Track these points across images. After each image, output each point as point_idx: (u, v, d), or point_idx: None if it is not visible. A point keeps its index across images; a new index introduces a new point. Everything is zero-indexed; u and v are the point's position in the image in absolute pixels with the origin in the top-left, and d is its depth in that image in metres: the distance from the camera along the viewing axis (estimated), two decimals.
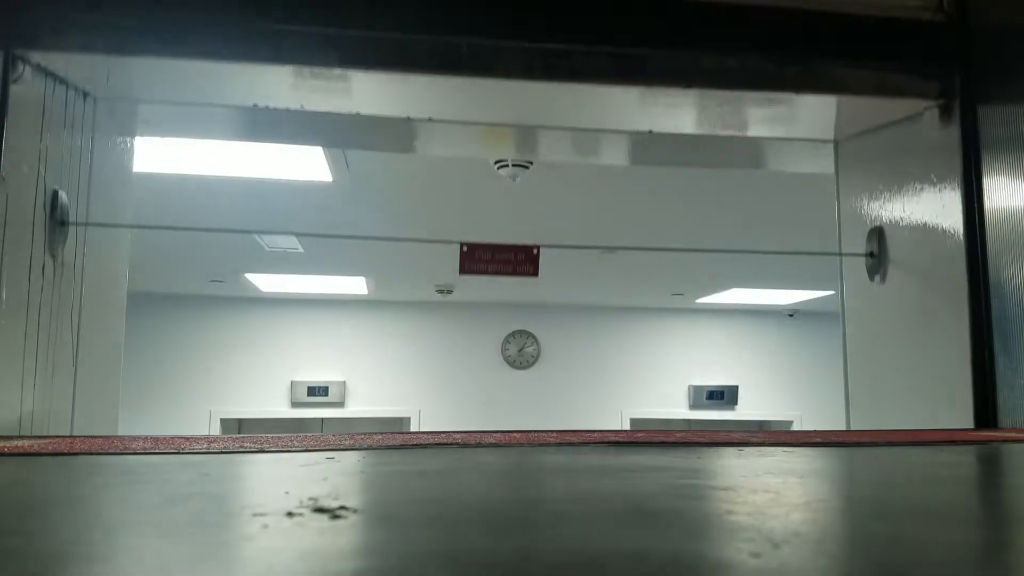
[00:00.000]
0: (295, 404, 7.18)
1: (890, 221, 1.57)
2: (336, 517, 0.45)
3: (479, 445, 0.90)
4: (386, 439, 0.96)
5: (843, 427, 1.68)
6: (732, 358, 7.86)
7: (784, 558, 0.36)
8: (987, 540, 0.45)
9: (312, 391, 7.16)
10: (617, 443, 0.91)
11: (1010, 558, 0.40)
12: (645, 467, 0.71)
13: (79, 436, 1.24)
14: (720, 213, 3.62)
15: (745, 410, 7.82)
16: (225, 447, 0.88)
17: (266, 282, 6.10)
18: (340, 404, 7.24)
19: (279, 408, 7.19)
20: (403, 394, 7.35)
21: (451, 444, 0.90)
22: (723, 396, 7.75)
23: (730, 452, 0.84)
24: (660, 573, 0.35)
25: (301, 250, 4.61)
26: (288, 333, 7.24)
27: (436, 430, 1.17)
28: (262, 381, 7.17)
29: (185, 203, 3.47)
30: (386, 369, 7.35)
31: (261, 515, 0.45)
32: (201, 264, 5.37)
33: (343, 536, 0.42)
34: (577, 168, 2.95)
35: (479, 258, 1.55)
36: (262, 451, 0.84)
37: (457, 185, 3.21)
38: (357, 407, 7.29)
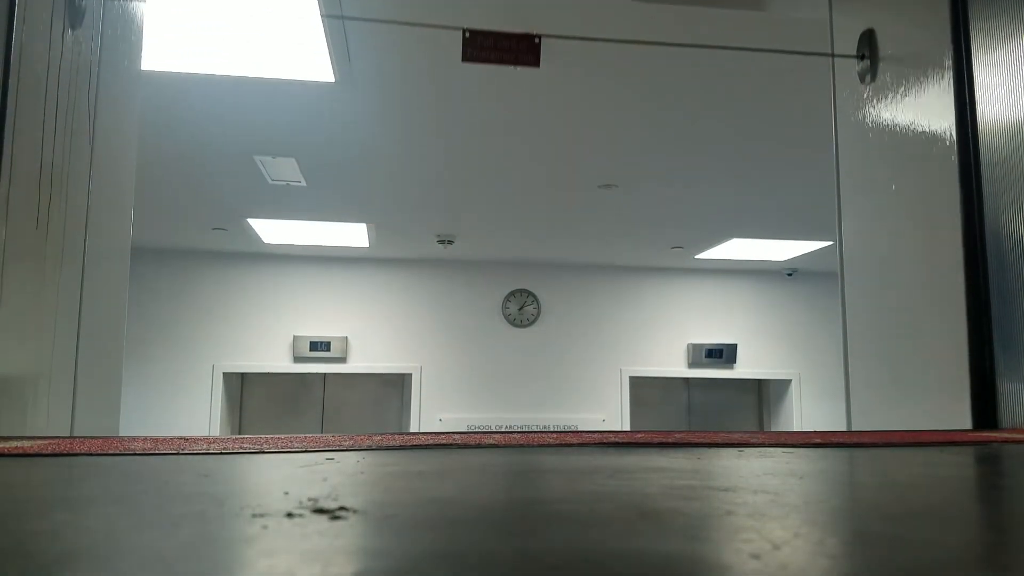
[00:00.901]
0: (297, 359, 7.23)
1: (880, 23, 1.66)
2: (336, 518, 0.45)
3: (479, 446, 0.90)
4: (386, 439, 0.96)
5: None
6: (731, 317, 7.90)
7: (784, 559, 0.36)
8: (987, 541, 0.45)
9: (314, 346, 7.21)
10: (616, 443, 0.91)
11: (1010, 558, 0.40)
12: (645, 468, 0.71)
13: (79, 437, 1.25)
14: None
15: (743, 368, 7.86)
16: (225, 447, 0.88)
17: (269, 230, 6.06)
18: (342, 359, 7.29)
19: (281, 363, 7.24)
20: (404, 351, 7.41)
21: (451, 445, 0.90)
22: (722, 354, 7.78)
23: (730, 453, 0.84)
24: (660, 573, 0.34)
25: (303, 183, 4.59)
26: (291, 288, 7.29)
27: (436, 431, 1.17)
28: (265, 336, 7.22)
29: (183, 113, 3.43)
30: (388, 325, 7.40)
31: (261, 516, 0.45)
32: (203, 206, 5.32)
33: (343, 537, 0.42)
34: (577, 65, 2.91)
35: (481, 45, 1.52)
36: (262, 451, 0.84)
37: (466, 83, 3.09)
38: (359, 363, 7.35)
